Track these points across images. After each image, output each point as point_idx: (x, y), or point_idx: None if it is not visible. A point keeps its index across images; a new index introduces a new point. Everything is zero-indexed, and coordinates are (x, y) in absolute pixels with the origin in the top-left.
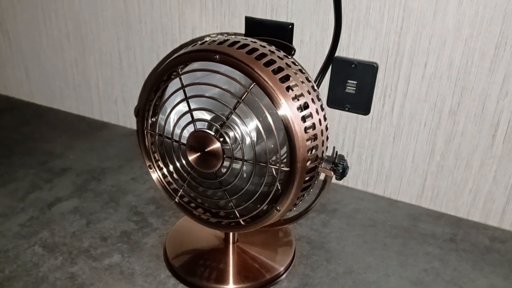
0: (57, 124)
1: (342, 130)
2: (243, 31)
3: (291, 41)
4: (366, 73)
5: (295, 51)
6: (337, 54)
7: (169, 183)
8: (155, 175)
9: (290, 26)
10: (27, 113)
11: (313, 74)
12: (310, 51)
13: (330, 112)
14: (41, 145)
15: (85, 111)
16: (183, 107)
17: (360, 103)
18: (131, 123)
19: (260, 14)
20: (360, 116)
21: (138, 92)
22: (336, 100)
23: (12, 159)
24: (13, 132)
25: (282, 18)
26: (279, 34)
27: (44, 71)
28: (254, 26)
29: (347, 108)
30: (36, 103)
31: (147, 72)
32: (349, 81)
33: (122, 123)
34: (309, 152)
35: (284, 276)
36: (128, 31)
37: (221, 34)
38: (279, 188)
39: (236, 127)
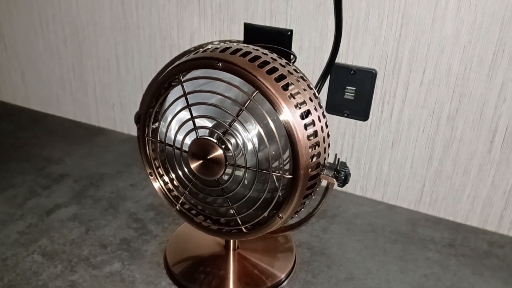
0: (54, 129)
1: (341, 136)
2: (242, 37)
3: (290, 48)
4: (365, 79)
5: (296, 58)
6: (336, 60)
7: (170, 190)
8: (157, 183)
9: (289, 33)
10: (23, 119)
11: (312, 80)
12: (309, 57)
13: (329, 118)
14: (39, 151)
15: (82, 117)
16: (184, 114)
17: (359, 109)
18: (129, 128)
19: (259, 20)
20: (359, 122)
21: (136, 98)
22: (335, 106)
23: (9, 165)
24: (10, 137)
25: (281, 24)
26: (278, 40)
27: (41, 76)
28: (253, 33)
29: (346, 114)
30: (32, 109)
31: (145, 78)
32: (348, 87)
33: (120, 129)
34: (312, 159)
35: (285, 283)
36: (126, 36)
37: (223, 41)
38: (281, 195)
39: (238, 134)
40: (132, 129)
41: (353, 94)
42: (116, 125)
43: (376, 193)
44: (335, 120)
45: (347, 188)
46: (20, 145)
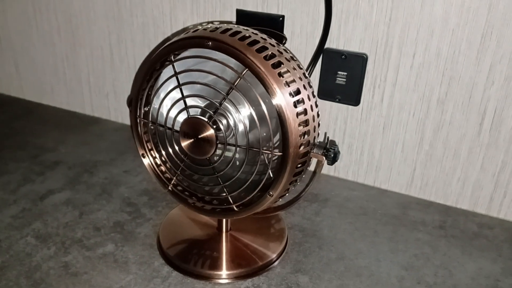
0: (48, 119)
1: (333, 121)
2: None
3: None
4: (356, 64)
5: (286, 39)
6: (327, 45)
7: (162, 172)
8: (149, 164)
9: (281, 18)
10: (17, 109)
11: (303, 65)
12: (301, 42)
13: (321, 103)
14: (32, 140)
15: (76, 106)
16: (176, 94)
17: (350, 94)
18: (123, 117)
19: (251, 6)
20: (350, 107)
21: (129, 86)
22: (327, 92)
23: (2, 154)
24: (3, 127)
25: (273, 10)
26: (270, 26)
27: (34, 66)
28: (245, 19)
29: (337, 99)
30: (26, 99)
31: (139, 66)
32: (339, 72)
33: (114, 118)
34: (301, 137)
35: (276, 262)
36: (120, 25)
37: (211, 22)
38: (271, 175)
39: (229, 114)
40: (126, 118)
41: (344, 79)
42: (110, 114)
43: (368, 178)
44: (327, 106)
45: (339, 173)
46: (14, 134)
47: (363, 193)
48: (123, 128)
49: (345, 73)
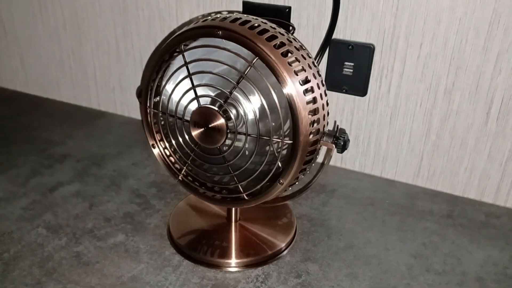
0: (54, 113)
1: (340, 112)
2: None
3: None
4: (363, 54)
5: (294, 29)
6: (334, 36)
7: (173, 163)
8: (157, 151)
9: (288, 10)
10: (23, 104)
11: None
12: (307, 34)
13: (328, 94)
14: (40, 134)
15: (82, 101)
16: (186, 84)
17: (357, 84)
18: (129, 111)
19: None
20: (357, 97)
21: (136, 80)
22: (334, 83)
23: (10, 148)
24: (10, 122)
25: (279, 1)
26: (276, 17)
27: (40, 60)
28: (252, 10)
29: (344, 90)
30: (32, 94)
31: (145, 59)
32: (346, 63)
33: (120, 112)
34: (311, 125)
35: (286, 251)
36: (125, 18)
37: (220, 12)
38: (280, 166)
39: (239, 103)
40: (132, 112)
41: (351, 70)
42: (117, 108)
43: (375, 169)
44: (333, 97)
45: (346, 164)
46: (21, 129)
47: (370, 183)
48: (129, 122)
49: (352, 64)
